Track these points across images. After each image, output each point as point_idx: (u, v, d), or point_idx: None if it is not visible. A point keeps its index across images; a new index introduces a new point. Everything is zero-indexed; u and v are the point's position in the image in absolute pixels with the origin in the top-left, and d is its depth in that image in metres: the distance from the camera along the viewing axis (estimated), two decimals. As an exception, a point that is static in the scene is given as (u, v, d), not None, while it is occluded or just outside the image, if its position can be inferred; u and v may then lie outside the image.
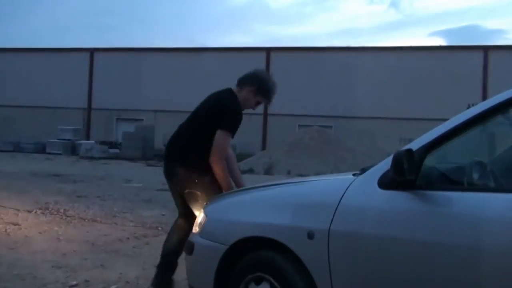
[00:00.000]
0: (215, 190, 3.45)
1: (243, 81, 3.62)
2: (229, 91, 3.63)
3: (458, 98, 22.04)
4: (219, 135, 3.39)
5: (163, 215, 7.20)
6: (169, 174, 3.68)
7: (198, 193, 3.49)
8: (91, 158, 20.93)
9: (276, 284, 2.45)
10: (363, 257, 2.21)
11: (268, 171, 17.28)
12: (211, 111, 3.50)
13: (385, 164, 2.24)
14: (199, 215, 3.08)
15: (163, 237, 5.68)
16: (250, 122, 27.00)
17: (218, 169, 3.42)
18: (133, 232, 5.90)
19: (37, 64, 31.15)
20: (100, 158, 20.90)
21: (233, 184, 3.59)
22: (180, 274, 3.72)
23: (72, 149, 23.94)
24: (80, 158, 21.25)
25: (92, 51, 31.39)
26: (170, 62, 29.28)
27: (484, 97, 22.49)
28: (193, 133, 3.55)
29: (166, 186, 4.13)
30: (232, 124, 3.45)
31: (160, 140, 22.70)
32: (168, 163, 3.68)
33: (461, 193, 2.10)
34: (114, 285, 3.88)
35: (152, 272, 4.28)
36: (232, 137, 3.47)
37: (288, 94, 27.05)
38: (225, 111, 3.45)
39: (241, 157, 17.30)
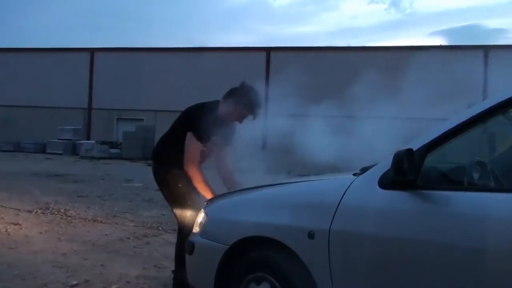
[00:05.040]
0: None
1: (227, 94, 3.68)
2: (213, 102, 3.72)
3: (458, 98, 22.01)
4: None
5: (163, 215, 7.19)
6: None
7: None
8: (92, 158, 20.91)
9: (276, 284, 2.46)
10: (363, 257, 2.21)
11: (268, 171, 17.25)
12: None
13: (385, 164, 2.24)
14: (200, 215, 3.08)
15: (164, 237, 5.74)
16: (250, 122, 26.87)
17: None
18: (134, 232, 5.90)
19: (37, 64, 31.10)
20: (100, 158, 20.87)
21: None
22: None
23: (73, 149, 23.91)
24: (81, 158, 21.24)
25: (92, 51, 31.35)
26: (170, 62, 29.23)
27: (484, 97, 22.45)
28: None
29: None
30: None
31: (161, 140, 22.63)
32: None
33: (462, 193, 2.11)
34: (115, 285, 3.88)
35: (152, 272, 4.30)
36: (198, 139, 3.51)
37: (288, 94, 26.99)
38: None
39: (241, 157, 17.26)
